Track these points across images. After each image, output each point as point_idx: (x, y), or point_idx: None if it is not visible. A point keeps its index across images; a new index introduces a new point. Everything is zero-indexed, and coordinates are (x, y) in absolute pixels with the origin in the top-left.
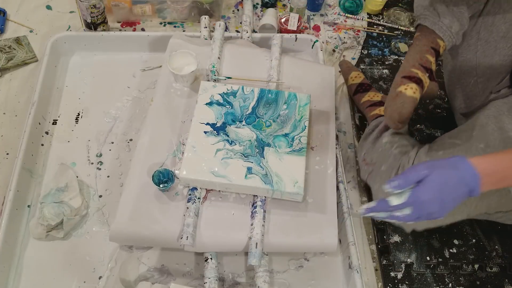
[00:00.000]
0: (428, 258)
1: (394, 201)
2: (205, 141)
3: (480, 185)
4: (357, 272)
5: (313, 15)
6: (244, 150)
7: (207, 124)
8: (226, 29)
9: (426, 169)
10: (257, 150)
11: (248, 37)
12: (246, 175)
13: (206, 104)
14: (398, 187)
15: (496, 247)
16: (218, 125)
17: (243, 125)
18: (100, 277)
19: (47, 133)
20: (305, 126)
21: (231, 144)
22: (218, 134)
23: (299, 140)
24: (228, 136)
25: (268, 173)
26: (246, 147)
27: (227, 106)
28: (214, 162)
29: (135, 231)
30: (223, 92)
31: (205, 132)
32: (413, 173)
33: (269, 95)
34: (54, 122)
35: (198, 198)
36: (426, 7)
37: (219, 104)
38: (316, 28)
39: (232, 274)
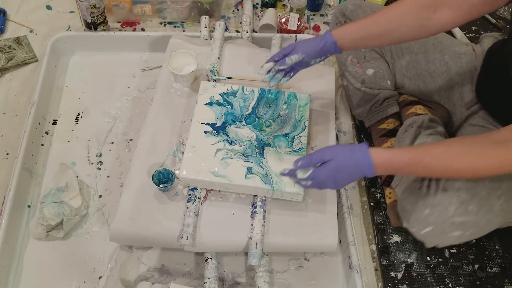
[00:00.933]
0: (428, 258)
1: (299, 174)
2: (205, 141)
3: (374, 172)
4: (357, 272)
5: (313, 15)
6: (244, 150)
7: (207, 124)
8: (226, 29)
9: (329, 155)
10: (257, 150)
11: (248, 37)
12: (246, 175)
13: (206, 104)
14: (302, 167)
15: (496, 247)
16: (218, 125)
17: (243, 125)
18: (100, 277)
19: (47, 133)
20: (305, 126)
21: (231, 144)
22: (218, 134)
23: (299, 140)
24: (228, 136)
25: (268, 173)
26: (246, 147)
27: (227, 106)
28: (214, 162)
29: (135, 231)
30: (223, 92)
31: (205, 132)
32: (318, 157)
33: (269, 95)
34: (54, 122)
35: (198, 198)
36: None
37: (219, 104)
38: (316, 28)
39: (232, 274)
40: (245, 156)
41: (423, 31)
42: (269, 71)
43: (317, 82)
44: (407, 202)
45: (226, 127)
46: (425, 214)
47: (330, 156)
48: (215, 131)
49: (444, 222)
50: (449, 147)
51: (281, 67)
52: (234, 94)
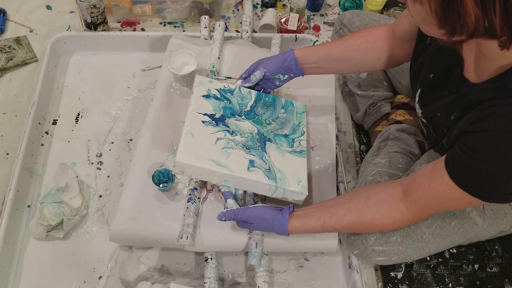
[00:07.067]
0: (428, 258)
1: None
2: (204, 130)
3: (288, 234)
4: (357, 272)
5: (313, 15)
6: (245, 142)
7: (205, 114)
8: (226, 29)
9: (253, 219)
10: (259, 144)
11: (248, 37)
12: (248, 168)
13: (203, 96)
14: (224, 220)
15: (496, 247)
16: (217, 116)
17: (243, 119)
18: (100, 277)
19: (47, 133)
20: (304, 132)
21: (232, 134)
22: (217, 125)
23: (299, 143)
24: (228, 127)
25: (271, 168)
26: (247, 139)
27: (225, 101)
28: (214, 150)
29: (135, 231)
30: (220, 88)
31: (203, 122)
32: (243, 218)
33: (266, 98)
34: (54, 122)
35: (198, 198)
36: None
37: (216, 98)
38: (316, 28)
39: (232, 274)
40: (247, 148)
41: (384, 62)
42: None
43: (317, 82)
44: None
45: (225, 119)
46: (351, 238)
47: (253, 221)
48: (213, 121)
49: (366, 249)
50: (357, 217)
51: (247, 85)
52: (231, 91)
